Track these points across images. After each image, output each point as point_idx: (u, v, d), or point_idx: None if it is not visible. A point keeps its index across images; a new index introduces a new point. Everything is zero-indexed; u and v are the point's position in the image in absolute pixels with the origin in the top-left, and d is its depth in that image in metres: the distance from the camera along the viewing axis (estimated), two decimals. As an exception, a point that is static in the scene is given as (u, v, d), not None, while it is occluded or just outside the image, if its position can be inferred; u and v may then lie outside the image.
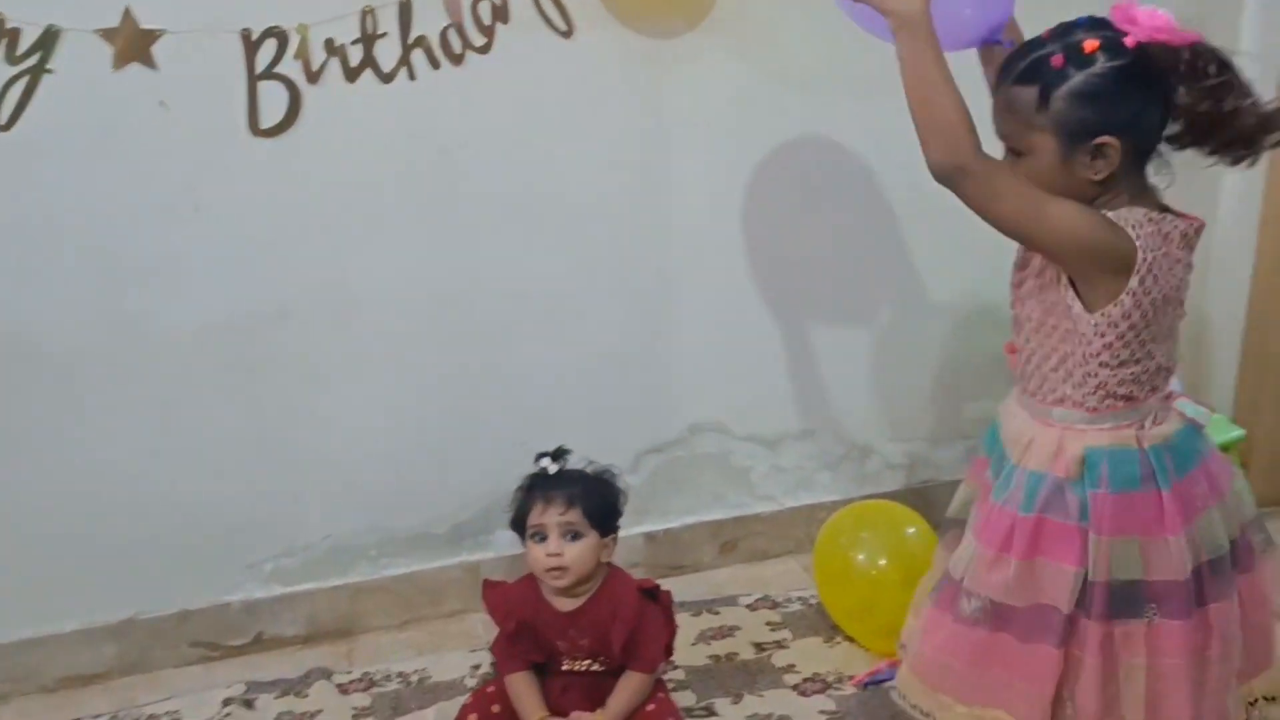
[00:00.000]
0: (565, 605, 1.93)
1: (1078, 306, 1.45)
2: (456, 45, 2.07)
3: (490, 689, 1.98)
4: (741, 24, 2.21)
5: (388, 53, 2.04)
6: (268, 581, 2.27)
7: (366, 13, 2.01)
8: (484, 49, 2.09)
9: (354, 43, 2.02)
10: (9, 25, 1.84)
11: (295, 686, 2.16)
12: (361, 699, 2.12)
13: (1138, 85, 1.41)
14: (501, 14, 2.08)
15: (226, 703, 2.11)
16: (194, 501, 2.19)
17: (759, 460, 2.52)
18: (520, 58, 2.12)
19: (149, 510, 2.17)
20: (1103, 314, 1.43)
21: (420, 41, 2.05)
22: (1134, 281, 1.41)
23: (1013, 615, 1.52)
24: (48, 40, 1.87)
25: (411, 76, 2.06)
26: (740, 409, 2.48)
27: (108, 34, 1.90)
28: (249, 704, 2.11)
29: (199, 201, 2.03)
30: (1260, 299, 2.62)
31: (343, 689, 2.15)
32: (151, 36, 1.92)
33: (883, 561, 2.16)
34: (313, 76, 2.01)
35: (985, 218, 1.42)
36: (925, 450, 2.64)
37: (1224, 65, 1.39)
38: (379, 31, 2.03)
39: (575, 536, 1.89)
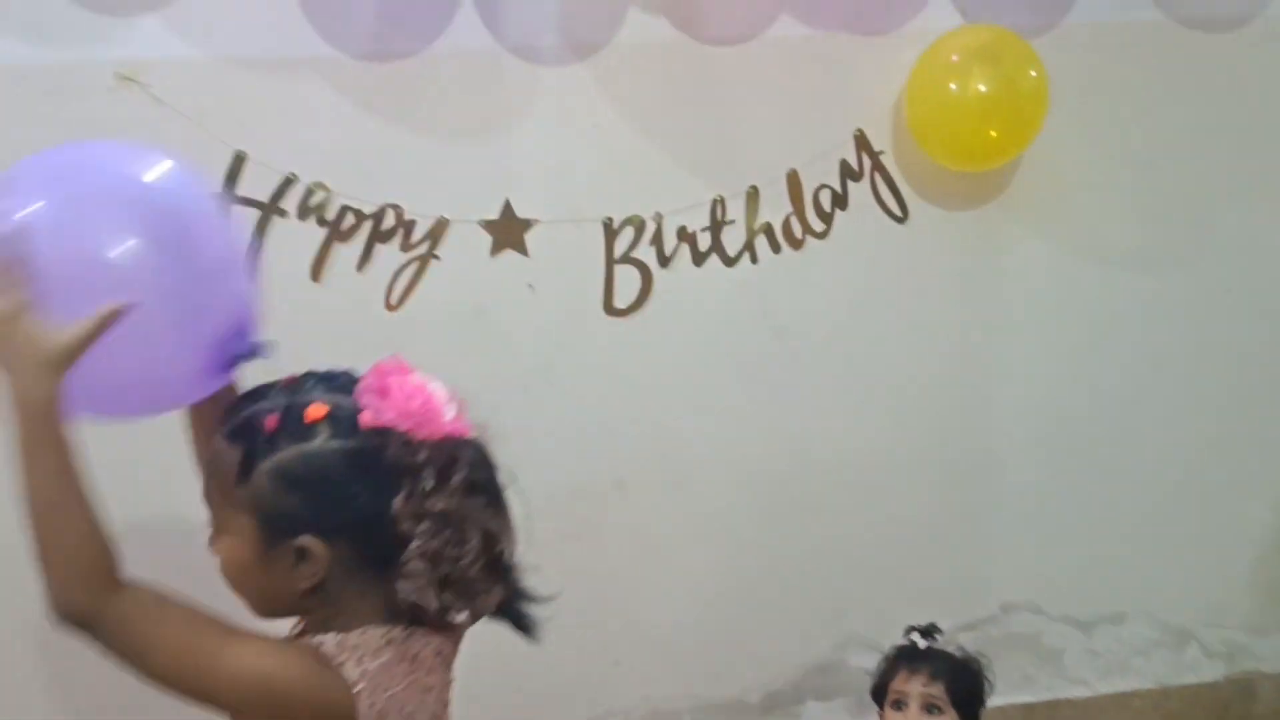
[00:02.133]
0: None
1: None
2: (798, 231, 2.17)
3: None
4: (1041, 204, 2.27)
5: (734, 238, 2.15)
6: (587, 745, 2.30)
7: (717, 202, 2.13)
8: (822, 234, 2.18)
9: (704, 229, 2.13)
10: (407, 217, 2.02)
11: None
12: None
13: (366, 477, 1.08)
14: (841, 201, 2.17)
15: None
16: (515, 663, 2.25)
17: (1072, 642, 2.45)
18: (855, 242, 2.20)
19: (476, 672, 2.24)
20: None
21: (765, 228, 2.15)
22: None
23: None
24: (438, 230, 2.04)
25: (754, 260, 2.16)
26: (1054, 588, 2.43)
27: (488, 224, 2.06)
28: None
29: (553, 376, 2.15)
30: None
31: None
32: (525, 225, 2.07)
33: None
34: (664, 260, 2.13)
35: (140, 675, 1.04)
36: (1246, 639, 2.52)
37: (497, 494, 1.13)
38: (727, 219, 2.14)
39: (935, 711, 1.90)
